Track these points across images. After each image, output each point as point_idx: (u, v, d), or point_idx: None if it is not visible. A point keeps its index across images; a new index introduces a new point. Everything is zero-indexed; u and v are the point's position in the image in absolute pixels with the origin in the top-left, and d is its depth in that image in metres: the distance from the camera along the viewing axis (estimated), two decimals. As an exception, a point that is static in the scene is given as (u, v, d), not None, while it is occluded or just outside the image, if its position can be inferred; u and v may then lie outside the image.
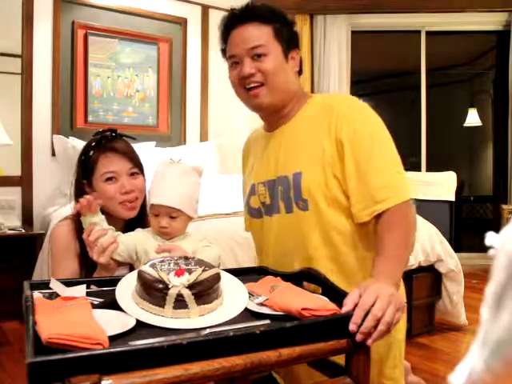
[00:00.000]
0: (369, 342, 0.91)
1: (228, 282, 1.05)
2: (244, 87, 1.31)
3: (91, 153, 1.40)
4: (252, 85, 1.29)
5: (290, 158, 1.30)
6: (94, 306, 0.95)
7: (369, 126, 1.25)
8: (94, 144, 1.41)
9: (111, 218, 1.41)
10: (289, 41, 1.33)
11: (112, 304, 0.95)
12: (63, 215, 1.51)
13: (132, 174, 1.42)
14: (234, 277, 1.10)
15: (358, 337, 0.91)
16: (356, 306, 0.93)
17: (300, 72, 1.39)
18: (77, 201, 1.38)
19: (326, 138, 1.25)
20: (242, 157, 1.61)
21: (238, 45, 1.30)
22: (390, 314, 0.93)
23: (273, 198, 1.34)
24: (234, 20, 1.32)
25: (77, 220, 1.37)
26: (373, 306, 0.93)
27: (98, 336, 0.75)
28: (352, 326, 0.91)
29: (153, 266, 0.96)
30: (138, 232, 1.30)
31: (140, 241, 1.26)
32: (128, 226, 1.44)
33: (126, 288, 1.00)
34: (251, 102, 1.32)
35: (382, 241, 1.17)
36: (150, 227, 1.31)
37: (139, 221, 1.44)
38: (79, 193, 1.41)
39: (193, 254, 1.23)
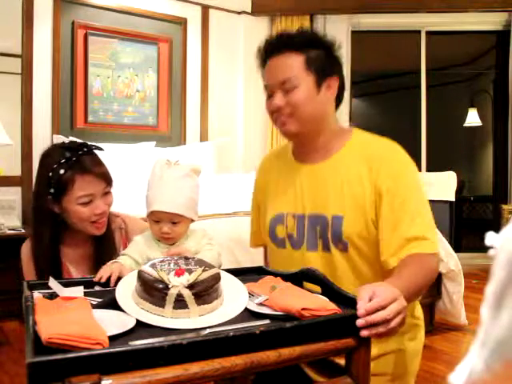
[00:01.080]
0: (363, 332, 0.90)
1: (228, 282, 1.05)
2: (274, 119, 1.34)
3: (62, 171, 1.32)
4: (281, 117, 1.31)
5: (330, 198, 1.29)
6: (94, 306, 0.95)
7: (407, 178, 1.27)
8: (64, 161, 1.33)
9: (79, 233, 1.41)
10: (324, 69, 1.30)
11: (112, 304, 0.95)
12: None
13: (105, 193, 1.39)
14: (234, 277, 1.10)
15: (360, 322, 0.90)
16: (371, 299, 0.92)
17: (340, 99, 1.37)
18: (39, 220, 1.38)
19: (366, 185, 1.26)
20: (257, 173, 1.55)
21: (270, 77, 1.32)
22: (396, 321, 0.92)
23: (300, 233, 1.34)
24: (267, 50, 1.33)
25: (37, 248, 1.39)
26: (386, 306, 0.92)
27: (98, 336, 0.75)
28: (361, 311, 0.90)
29: (153, 266, 0.96)
30: (139, 241, 1.26)
31: (141, 251, 1.23)
32: (97, 236, 1.43)
33: (126, 288, 0.99)
34: (280, 129, 1.34)
35: (398, 270, 1.17)
36: (146, 233, 1.28)
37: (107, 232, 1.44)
38: (42, 210, 1.37)
39: (195, 253, 1.22)
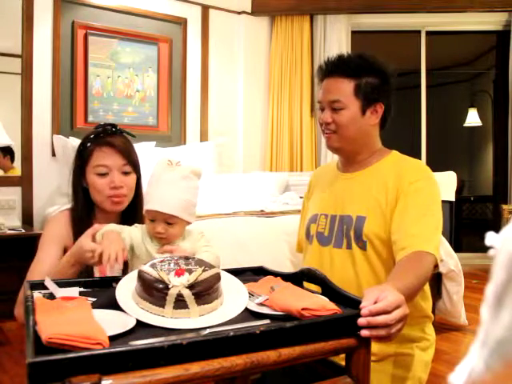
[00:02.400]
0: (363, 332, 0.91)
1: (228, 282, 1.05)
2: (322, 130, 1.50)
3: (88, 144, 1.43)
4: (327, 131, 1.47)
5: (357, 200, 1.44)
6: (95, 306, 0.95)
7: (426, 194, 1.36)
8: (92, 136, 1.44)
9: (102, 210, 1.45)
10: (372, 95, 1.42)
11: (112, 304, 0.95)
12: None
13: (125, 172, 1.43)
14: (234, 277, 1.10)
15: (361, 321, 0.91)
16: (376, 302, 0.93)
17: (383, 125, 1.49)
18: (74, 191, 1.45)
19: (390, 194, 1.39)
20: (309, 183, 1.71)
21: (323, 95, 1.47)
22: (397, 328, 0.94)
23: (331, 232, 1.47)
24: (324, 71, 1.48)
25: (74, 212, 1.43)
26: (391, 311, 0.93)
27: (98, 336, 0.75)
28: (365, 311, 0.91)
29: (153, 265, 0.96)
30: (137, 229, 1.26)
31: (137, 239, 1.24)
32: (123, 217, 1.47)
33: (126, 288, 0.99)
34: (326, 142, 1.50)
35: (401, 270, 1.24)
36: (144, 226, 1.28)
37: (133, 213, 1.47)
38: (77, 183, 1.45)
39: (191, 254, 1.22)
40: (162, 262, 0.98)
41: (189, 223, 1.26)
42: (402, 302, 0.96)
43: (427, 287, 1.46)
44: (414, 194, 1.35)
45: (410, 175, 1.38)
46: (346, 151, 1.49)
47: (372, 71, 1.43)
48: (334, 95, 1.43)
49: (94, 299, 1.01)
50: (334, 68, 1.45)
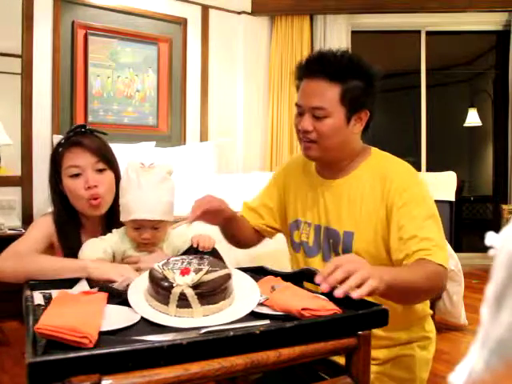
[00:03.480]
0: (336, 292, 0.91)
1: (241, 282, 1.05)
2: (300, 137, 1.35)
3: (60, 149, 1.39)
4: (305, 139, 1.32)
5: (343, 214, 1.32)
6: (112, 302, 0.96)
7: (414, 192, 1.27)
8: (63, 141, 1.40)
9: (84, 215, 1.42)
10: (358, 102, 1.29)
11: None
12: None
13: (98, 170, 1.38)
14: (249, 276, 1.09)
15: (323, 286, 0.92)
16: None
17: (366, 129, 1.37)
18: (52, 198, 1.42)
19: (378, 204, 1.28)
20: (279, 175, 1.57)
21: (304, 98, 1.31)
22: (363, 273, 0.93)
23: (316, 243, 1.38)
24: (305, 70, 1.31)
25: (56, 219, 1.40)
26: (342, 265, 0.95)
27: (87, 330, 0.75)
28: (318, 278, 0.93)
29: (164, 264, 0.97)
30: (115, 236, 1.26)
31: (117, 246, 1.24)
32: (107, 222, 1.43)
33: (141, 285, 1.01)
34: (302, 151, 1.36)
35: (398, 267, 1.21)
36: (123, 228, 1.29)
37: (116, 215, 1.41)
38: (54, 191, 1.43)
39: (174, 252, 1.25)
40: (175, 260, 0.99)
41: (171, 223, 1.28)
42: (363, 263, 0.99)
43: None
44: (409, 205, 1.24)
45: (397, 183, 1.27)
46: (325, 161, 1.37)
47: (358, 74, 1.29)
48: (318, 101, 1.27)
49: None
50: (318, 68, 1.28)
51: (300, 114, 1.32)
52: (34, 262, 1.22)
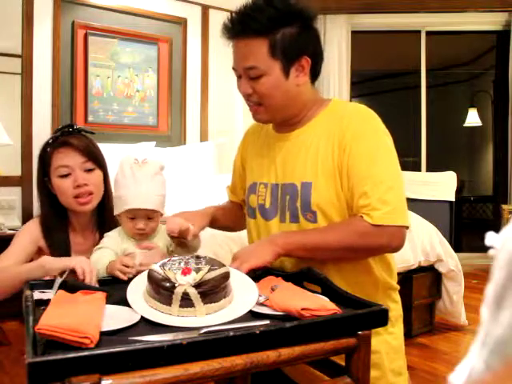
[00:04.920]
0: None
1: (239, 281, 1.05)
2: (246, 102, 1.29)
3: (48, 149, 1.40)
4: (250, 103, 1.27)
5: (300, 165, 1.24)
6: (109, 301, 0.96)
7: (370, 142, 1.19)
8: (50, 140, 1.41)
9: (74, 213, 1.44)
10: (293, 51, 1.19)
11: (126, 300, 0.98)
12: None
13: (87, 170, 1.40)
14: (245, 275, 1.10)
15: None
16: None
17: (315, 75, 1.27)
18: (39, 198, 1.44)
19: (335, 149, 1.20)
20: (240, 142, 1.52)
21: (235, 61, 1.24)
22: (240, 260, 1.13)
23: (273, 204, 1.29)
24: (228, 34, 1.22)
25: (43, 220, 1.41)
26: None
27: (88, 330, 0.75)
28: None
29: (163, 265, 0.98)
30: (112, 236, 1.31)
31: (117, 243, 1.29)
32: (99, 219, 1.46)
33: (139, 286, 1.01)
34: (252, 117, 1.31)
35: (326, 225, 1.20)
36: (118, 229, 1.33)
37: (105, 212, 1.46)
38: (42, 191, 1.44)
39: (163, 249, 1.30)
40: (172, 261, 0.99)
41: (162, 215, 1.33)
42: (244, 249, 1.19)
43: (390, 256, 1.29)
44: (359, 143, 1.17)
45: (353, 129, 1.18)
46: (278, 119, 1.28)
47: (288, 20, 1.18)
48: (247, 61, 1.18)
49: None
50: (241, 27, 1.19)
51: (239, 78, 1.26)
52: (5, 273, 1.23)
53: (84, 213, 1.43)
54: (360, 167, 1.16)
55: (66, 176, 1.38)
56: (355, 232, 1.14)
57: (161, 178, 1.31)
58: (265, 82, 1.20)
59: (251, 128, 1.49)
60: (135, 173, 1.26)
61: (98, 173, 1.44)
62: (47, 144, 1.41)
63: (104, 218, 1.45)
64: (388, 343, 1.26)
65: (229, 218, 1.52)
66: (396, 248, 1.18)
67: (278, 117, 1.27)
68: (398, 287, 1.34)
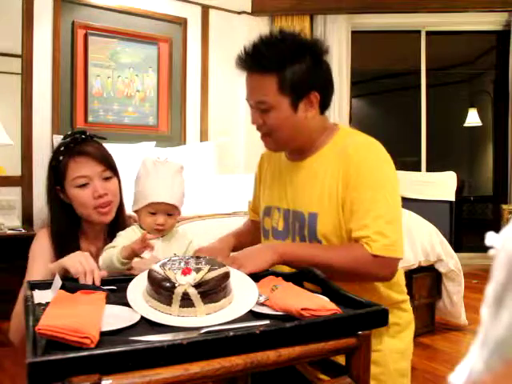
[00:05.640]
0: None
1: (239, 280, 1.05)
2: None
3: (61, 158, 1.34)
4: (260, 132, 1.31)
5: (307, 195, 1.29)
6: (110, 301, 0.97)
7: (374, 176, 1.23)
8: (62, 148, 1.35)
9: (89, 223, 1.39)
10: (302, 86, 1.22)
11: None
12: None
13: (105, 178, 1.36)
14: (245, 274, 1.10)
15: None
16: None
17: (325, 107, 1.30)
18: (50, 207, 1.38)
19: (340, 184, 1.24)
20: (257, 166, 1.57)
21: (247, 93, 1.29)
22: (238, 264, 1.16)
23: (285, 228, 1.36)
24: (241, 66, 1.27)
25: (53, 231, 1.37)
26: None
27: (89, 330, 0.75)
28: None
29: (163, 265, 0.98)
30: (124, 235, 1.29)
31: (132, 238, 1.26)
32: (110, 228, 1.42)
33: (138, 286, 1.01)
34: (264, 144, 1.35)
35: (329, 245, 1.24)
36: (132, 227, 1.32)
37: (118, 223, 1.41)
38: (54, 200, 1.39)
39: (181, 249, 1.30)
40: (172, 261, 0.99)
41: (179, 214, 1.34)
42: (244, 252, 1.23)
43: (399, 274, 1.34)
44: (361, 188, 1.20)
45: (356, 163, 1.22)
46: (287, 149, 1.35)
47: (297, 57, 1.21)
48: (258, 96, 1.24)
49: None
50: (251, 63, 1.23)
51: (251, 108, 1.30)
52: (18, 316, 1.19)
53: (100, 224, 1.39)
54: (361, 202, 1.20)
55: (84, 186, 1.33)
56: (354, 257, 1.19)
57: (181, 177, 1.33)
58: (274, 116, 1.24)
59: (266, 152, 1.52)
60: (159, 169, 1.28)
61: (115, 181, 1.40)
62: (59, 152, 1.35)
63: (116, 226, 1.40)
64: (394, 344, 1.31)
65: (245, 243, 1.53)
66: (386, 278, 1.24)
67: (286, 147, 1.34)
68: (407, 298, 1.40)
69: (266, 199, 1.44)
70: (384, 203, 1.20)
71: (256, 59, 1.23)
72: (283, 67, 1.21)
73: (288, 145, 1.32)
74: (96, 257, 1.38)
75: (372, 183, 1.21)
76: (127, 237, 1.28)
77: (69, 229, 1.38)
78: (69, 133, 1.41)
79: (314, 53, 1.24)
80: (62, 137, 1.44)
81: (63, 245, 1.34)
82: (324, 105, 1.30)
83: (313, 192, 1.28)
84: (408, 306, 1.40)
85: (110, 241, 1.35)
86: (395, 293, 1.35)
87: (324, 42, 1.29)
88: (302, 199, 1.30)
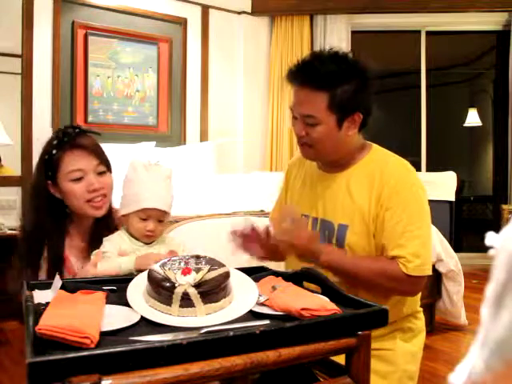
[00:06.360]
0: None
1: (239, 280, 1.05)
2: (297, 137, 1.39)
3: (54, 151, 1.33)
4: (301, 142, 1.36)
5: (339, 207, 1.35)
6: (110, 301, 0.96)
7: (408, 200, 1.29)
8: (55, 142, 1.34)
9: (78, 216, 1.39)
10: (349, 106, 1.28)
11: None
12: None
13: (100, 173, 1.36)
14: (245, 274, 1.10)
15: None
16: None
17: (364, 126, 1.36)
18: (35, 202, 1.36)
19: (373, 201, 1.30)
20: (285, 175, 1.61)
21: (294, 106, 1.33)
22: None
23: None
24: (292, 78, 1.32)
25: (41, 222, 1.36)
26: None
27: (87, 330, 0.75)
28: None
29: (163, 265, 0.97)
30: (111, 242, 1.27)
31: (118, 248, 1.25)
32: (96, 224, 1.41)
33: (138, 286, 1.01)
34: (300, 152, 1.41)
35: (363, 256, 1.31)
36: (120, 230, 1.29)
37: (107, 219, 1.41)
38: (41, 194, 1.36)
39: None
40: (172, 261, 0.99)
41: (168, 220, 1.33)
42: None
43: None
44: (396, 209, 1.27)
45: (391, 184, 1.29)
46: (324, 161, 1.41)
47: (348, 77, 1.27)
48: (306, 110, 1.29)
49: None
50: (303, 78, 1.29)
51: (294, 118, 1.35)
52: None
53: (91, 217, 1.39)
54: (397, 223, 1.27)
55: (78, 180, 1.33)
56: (385, 273, 1.26)
57: (171, 182, 1.29)
58: (319, 131, 1.30)
59: (294, 162, 1.60)
60: (151, 173, 1.24)
61: (109, 175, 1.40)
62: (52, 146, 1.34)
63: (102, 223, 1.40)
64: (406, 347, 1.36)
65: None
66: (415, 294, 1.34)
67: (324, 159, 1.40)
68: (420, 310, 1.46)
69: (298, 206, 1.48)
70: (418, 226, 1.27)
71: (309, 74, 1.28)
72: (335, 86, 1.26)
73: (326, 157, 1.38)
74: (81, 252, 1.39)
75: (406, 207, 1.28)
76: (115, 242, 1.25)
77: (53, 223, 1.36)
78: (61, 128, 1.40)
79: (362, 75, 1.30)
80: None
81: (48, 238, 1.34)
82: (363, 124, 1.36)
83: (344, 204, 1.34)
84: (422, 314, 1.46)
85: (97, 237, 1.33)
86: (417, 303, 1.43)
87: (372, 67, 1.34)
88: (333, 210, 1.36)
